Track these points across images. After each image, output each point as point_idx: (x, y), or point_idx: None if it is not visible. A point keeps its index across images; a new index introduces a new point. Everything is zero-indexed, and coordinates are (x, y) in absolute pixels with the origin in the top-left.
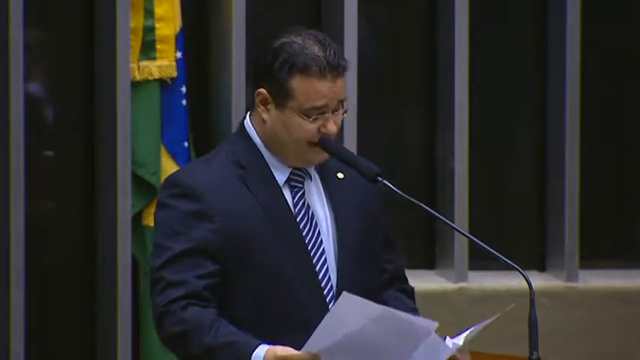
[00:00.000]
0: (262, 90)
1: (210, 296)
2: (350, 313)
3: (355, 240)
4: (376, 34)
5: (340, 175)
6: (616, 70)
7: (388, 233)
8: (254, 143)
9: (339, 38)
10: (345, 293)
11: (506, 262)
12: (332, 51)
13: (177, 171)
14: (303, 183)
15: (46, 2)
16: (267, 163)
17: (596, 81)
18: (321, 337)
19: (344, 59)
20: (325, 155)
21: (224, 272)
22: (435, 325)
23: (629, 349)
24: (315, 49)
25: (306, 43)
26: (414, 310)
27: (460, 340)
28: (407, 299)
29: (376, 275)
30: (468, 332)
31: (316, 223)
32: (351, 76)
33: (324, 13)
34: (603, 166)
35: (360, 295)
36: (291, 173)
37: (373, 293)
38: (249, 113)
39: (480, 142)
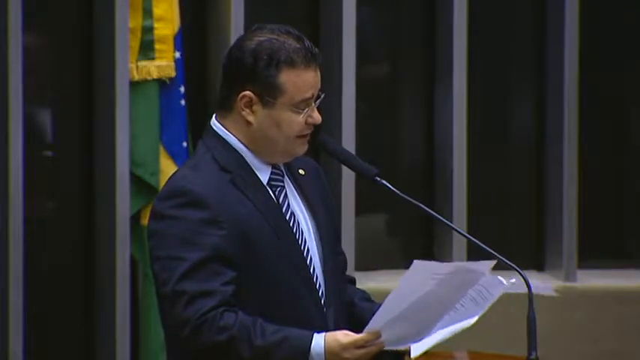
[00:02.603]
0: (247, 92)
1: (235, 302)
2: (417, 281)
3: (328, 234)
4: (375, 31)
5: (302, 172)
6: (615, 69)
7: (338, 225)
8: (233, 147)
9: (337, 37)
10: (416, 261)
11: (504, 261)
12: (307, 42)
13: (172, 181)
14: (282, 182)
15: (45, 2)
16: (249, 165)
17: (595, 80)
18: (385, 312)
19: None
20: (307, 146)
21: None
22: (491, 264)
23: (628, 348)
24: (294, 42)
25: (282, 38)
26: (369, 300)
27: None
28: (358, 290)
29: (340, 264)
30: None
31: (298, 221)
32: (350, 73)
33: (322, 12)
34: (602, 166)
35: (337, 287)
36: (271, 173)
37: (342, 284)
38: (215, 118)
39: (478, 142)
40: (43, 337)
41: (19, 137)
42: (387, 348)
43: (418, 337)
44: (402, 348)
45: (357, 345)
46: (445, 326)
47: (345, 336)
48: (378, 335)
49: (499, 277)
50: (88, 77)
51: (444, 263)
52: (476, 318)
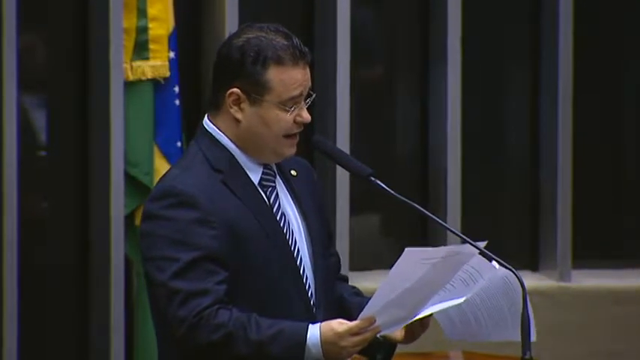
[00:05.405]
0: (235, 89)
1: (229, 300)
2: (408, 267)
3: (319, 235)
4: (369, 31)
5: (294, 173)
6: (611, 65)
7: (329, 224)
8: (224, 147)
9: (332, 36)
10: (407, 249)
11: (499, 262)
12: (296, 40)
13: (163, 182)
14: (274, 182)
15: (40, 2)
16: (240, 165)
17: (591, 77)
18: (379, 299)
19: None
20: (295, 148)
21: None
22: (482, 245)
23: (623, 348)
24: (282, 40)
25: (270, 35)
26: (359, 295)
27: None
28: (348, 286)
29: (331, 265)
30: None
31: (289, 221)
32: (344, 73)
33: (317, 12)
34: (596, 166)
35: (327, 288)
36: (262, 173)
37: (333, 284)
38: (207, 117)
39: (472, 142)
40: (38, 336)
41: (13, 137)
42: (382, 333)
43: (410, 318)
44: (395, 333)
45: (352, 332)
46: (434, 304)
47: (339, 324)
48: (372, 321)
49: (493, 263)
50: (82, 77)
51: (435, 249)
52: (464, 298)
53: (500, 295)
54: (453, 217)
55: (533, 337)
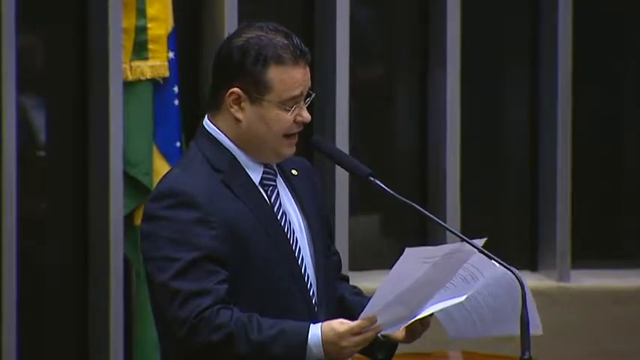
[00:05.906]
0: (235, 89)
1: (230, 300)
2: (409, 267)
3: (320, 234)
4: (369, 31)
5: (294, 172)
6: (610, 65)
7: (330, 224)
8: (224, 147)
9: (331, 36)
10: (407, 249)
11: (498, 262)
12: (296, 39)
13: (163, 182)
14: (275, 181)
15: (40, 2)
16: (241, 164)
17: (590, 76)
18: (380, 298)
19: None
20: (294, 148)
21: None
22: (481, 242)
23: (622, 348)
24: (282, 39)
25: (270, 35)
26: (360, 294)
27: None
28: (349, 285)
29: (333, 264)
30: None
31: (290, 220)
32: (343, 73)
33: (317, 12)
34: (596, 165)
35: (328, 287)
36: (263, 172)
37: (334, 283)
38: (207, 117)
39: (472, 142)
40: (37, 336)
41: (13, 137)
42: (383, 332)
43: (411, 317)
44: (396, 332)
45: (353, 332)
46: (436, 303)
47: (340, 324)
48: (373, 320)
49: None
50: (81, 77)
51: (435, 247)
52: (465, 296)
53: (502, 291)
54: (453, 217)
55: (540, 331)
